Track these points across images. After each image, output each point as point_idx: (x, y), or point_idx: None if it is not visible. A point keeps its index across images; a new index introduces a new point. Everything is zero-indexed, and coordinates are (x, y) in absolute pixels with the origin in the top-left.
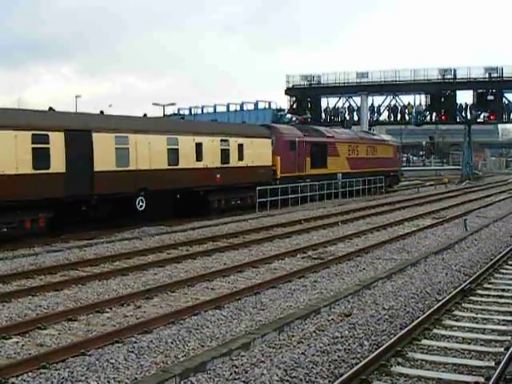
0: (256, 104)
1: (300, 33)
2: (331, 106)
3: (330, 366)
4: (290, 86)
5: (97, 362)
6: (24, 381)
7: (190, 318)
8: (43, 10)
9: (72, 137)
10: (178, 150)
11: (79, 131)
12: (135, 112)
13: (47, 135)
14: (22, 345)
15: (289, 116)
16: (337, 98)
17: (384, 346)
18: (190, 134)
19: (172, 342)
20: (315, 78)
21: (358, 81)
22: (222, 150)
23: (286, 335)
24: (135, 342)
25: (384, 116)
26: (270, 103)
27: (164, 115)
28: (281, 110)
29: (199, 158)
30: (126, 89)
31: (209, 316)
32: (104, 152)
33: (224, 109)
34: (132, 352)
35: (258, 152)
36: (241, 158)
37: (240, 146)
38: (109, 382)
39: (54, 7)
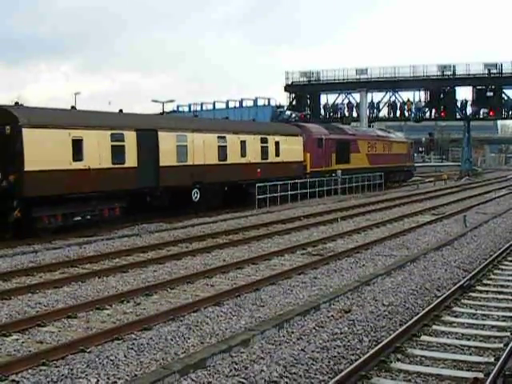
0: (255, 101)
1: (299, 30)
2: (330, 102)
3: (329, 362)
4: (290, 82)
5: (97, 359)
6: (24, 378)
7: (190, 314)
8: (44, 8)
9: (142, 135)
10: (226, 147)
11: (148, 130)
12: (134, 109)
13: (123, 134)
14: (22, 342)
15: (288, 113)
16: (336, 95)
17: (383, 342)
18: (236, 132)
19: (172, 339)
20: (314, 75)
21: (358, 77)
22: (261, 147)
23: (285, 332)
24: (135, 339)
25: (383, 112)
26: (269, 100)
27: (163, 112)
28: (280, 106)
29: (243, 154)
30: (125, 86)
31: (208, 313)
32: (167, 149)
33: (223, 105)
34: (132, 349)
35: (292, 149)
36: (277, 154)
37: (277, 144)
38: (109, 378)
39: (55, 6)
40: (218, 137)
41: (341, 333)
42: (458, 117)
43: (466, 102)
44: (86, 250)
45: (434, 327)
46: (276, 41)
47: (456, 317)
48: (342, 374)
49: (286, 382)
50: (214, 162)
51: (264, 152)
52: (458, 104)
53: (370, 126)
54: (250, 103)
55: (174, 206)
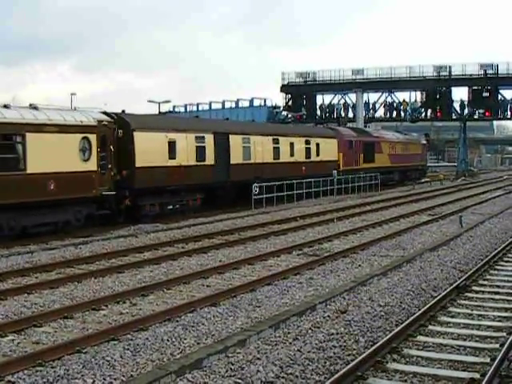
0: (251, 101)
1: (296, 31)
2: (326, 102)
3: (325, 362)
4: (286, 83)
5: (93, 360)
6: (20, 379)
7: (186, 315)
8: (42, 8)
9: (218, 138)
10: (279, 148)
11: (222, 134)
12: (130, 110)
13: (204, 137)
14: (18, 342)
15: (284, 113)
16: (332, 95)
17: (380, 343)
18: (286, 135)
19: (168, 340)
20: (310, 75)
21: (354, 78)
22: (305, 148)
23: (281, 332)
24: (131, 340)
25: (379, 113)
26: (265, 100)
27: (160, 112)
28: (276, 107)
29: (292, 154)
30: (122, 87)
31: (204, 313)
32: (236, 149)
33: (219, 106)
34: (128, 349)
35: (329, 149)
36: (318, 154)
37: (317, 145)
38: (105, 379)
39: (54, 6)
40: (273, 139)
41: (337, 333)
42: (454, 117)
43: (462, 102)
44: (82, 250)
45: (430, 327)
46: (274, 41)
47: (452, 317)
48: (338, 374)
49: (283, 383)
50: (270, 161)
51: (307, 152)
52: (454, 104)
53: (365, 127)
54: (246, 104)
55: (238, 199)
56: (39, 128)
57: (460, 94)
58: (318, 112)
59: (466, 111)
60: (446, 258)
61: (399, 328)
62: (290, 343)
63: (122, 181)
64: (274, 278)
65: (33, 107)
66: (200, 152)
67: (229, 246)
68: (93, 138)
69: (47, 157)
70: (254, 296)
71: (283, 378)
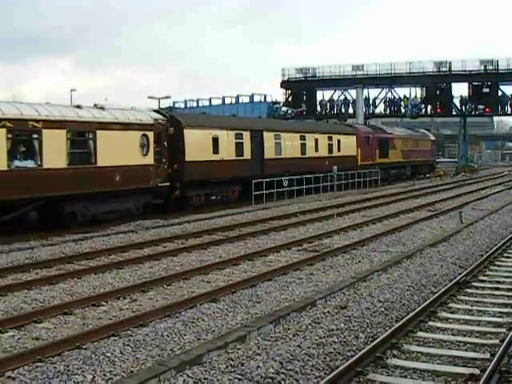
0: (251, 97)
1: (297, 27)
2: (326, 98)
3: (325, 358)
4: (286, 78)
5: (93, 356)
6: (20, 374)
7: (186, 311)
8: (43, 4)
9: (254, 135)
10: (305, 144)
11: (257, 131)
12: (130, 105)
13: (242, 134)
14: (18, 338)
15: (284, 109)
16: (332, 91)
17: (380, 339)
18: (312, 132)
19: (168, 336)
20: (310, 71)
21: (354, 73)
22: (328, 144)
23: (281, 328)
24: (131, 336)
25: (379, 109)
26: (265, 96)
27: (159, 108)
28: (276, 102)
29: (317, 149)
30: (123, 82)
31: (204, 309)
32: (269, 145)
33: (219, 102)
34: (128, 345)
35: (349, 145)
36: (339, 149)
37: (338, 141)
38: (105, 375)
39: (54, 1)
40: (300, 136)
41: (337, 329)
42: (454, 113)
43: (462, 98)
44: (82, 246)
45: (430, 323)
46: (274, 37)
47: (452, 313)
48: (338, 370)
49: (283, 378)
50: (298, 156)
51: (330, 148)
52: (454, 100)
53: (365, 123)
54: (246, 99)
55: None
56: (107, 126)
57: (460, 89)
58: (318, 108)
59: (466, 107)
60: (446, 253)
61: (399, 324)
62: (290, 339)
63: (173, 174)
64: (273, 274)
65: (100, 107)
66: (239, 148)
67: (229, 242)
68: (150, 134)
69: (113, 152)
70: (254, 292)
71: (283, 373)
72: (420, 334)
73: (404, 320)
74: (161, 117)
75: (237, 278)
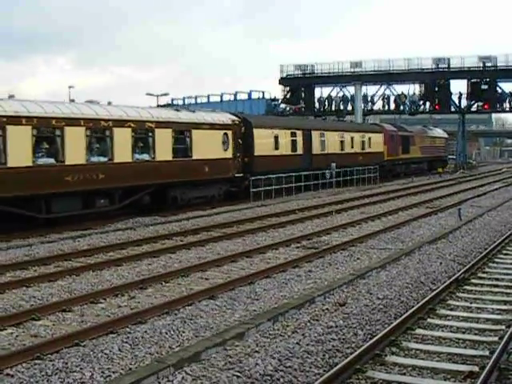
0: (249, 94)
1: (295, 24)
2: (325, 95)
3: (324, 355)
4: (284, 75)
5: (91, 353)
6: (18, 372)
7: (185, 308)
8: (43, 2)
9: (305, 133)
10: (343, 141)
11: (307, 130)
12: (129, 102)
13: (296, 132)
14: (17, 336)
15: (283, 106)
16: (330, 88)
17: (378, 336)
18: (348, 131)
19: (166, 333)
20: (309, 68)
21: (352, 70)
22: (361, 141)
23: (280, 325)
24: (129, 333)
25: (378, 105)
26: (263, 93)
27: (158, 105)
28: (275, 99)
29: (352, 146)
30: (121, 80)
31: (203, 306)
32: (316, 142)
33: (218, 99)
34: (126, 342)
35: (377, 142)
36: (369, 146)
37: (369, 139)
38: (103, 372)
39: (54, 0)
40: (339, 134)
41: (336, 326)
42: (453, 110)
43: (461, 95)
44: (80, 243)
45: (429, 320)
46: (273, 34)
47: (451, 310)
48: (337, 367)
49: (281, 376)
50: (338, 152)
51: (362, 144)
52: (453, 97)
53: (364, 120)
54: (245, 96)
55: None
56: (199, 126)
57: (459, 86)
58: (317, 105)
59: (464, 104)
60: (444, 250)
61: (398, 321)
62: (289, 336)
63: (245, 166)
64: (272, 271)
65: (192, 110)
66: (293, 144)
67: (227, 239)
68: (229, 133)
69: (203, 147)
70: (253, 289)
71: (282, 370)
72: (419, 331)
73: (403, 317)
74: (236, 118)
75: (235, 275)
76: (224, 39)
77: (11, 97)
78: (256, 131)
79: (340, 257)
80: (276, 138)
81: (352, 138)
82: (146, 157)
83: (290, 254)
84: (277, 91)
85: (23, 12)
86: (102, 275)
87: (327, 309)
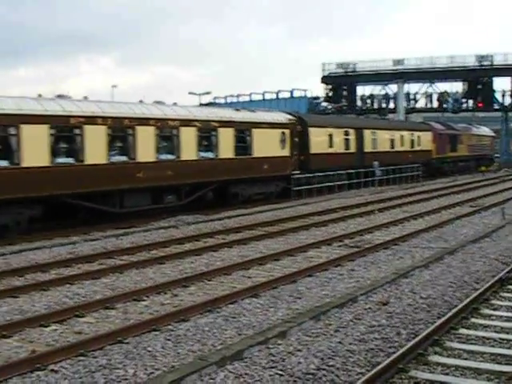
0: (291, 92)
1: (337, 21)
2: (367, 93)
3: (366, 354)
4: (326, 74)
5: (134, 350)
6: (63, 368)
7: (227, 306)
8: (87, 3)
9: (358, 132)
10: (394, 139)
11: (359, 128)
12: (170, 101)
13: (349, 131)
14: (61, 332)
15: (324, 104)
16: (372, 86)
17: (421, 335)
18: (398, 129)
19: (209, 331)
20: (351, 66)
21: (394, 68)
22: (411, 139)
23: (322, 324)
24: (172, 330)
25: (420, 103)
26: (305, 92)
27: (200, 104)
28: (316, 98)
29: (402, 144)
30: (163, 79)
31: (245, 304)
32: (367, 140)
33: (260, 97)
34: (169, 340)
35: (426, 140)
36: (419, 144)
37: (418, 137)
38: (146, 369)
39: (98, 1)
40: (390, 133)
41: (378, 325)
42: (496, 107)
43: (504, 92)
44: (124, 241)
45: (473, 320)
46: (314, 33)
47: (495, 310)
48: (380, 366)
49: (324, 375)
50: (388, 150)
51: (412, 143)
52: (496, 94)
53: (406, 118)
54: (287, 95)
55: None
56: (259, 125)
57: (502, 83)
58: (359, 103)
59: (508, 101)
60: (488, 249)
61: (441, 320)
62: (331, 335)
63: (301, 164)
64: (314, 270)
65: (251, 110)
66: (346, 143)
67: (270, 238)
68: (287, 132)
69: (263, 145)
70: (295, 287)
71: (324, 369)
72: (462, 330)
73: (446, 317)
74: (292, 117)
75: (278, 273)
76: (265, 38)
77: (60, 96)
78: (311, 130)
79: (382, 256)
80: (330, 136)
81: (402, 137)
82: (209, 155)
83: (332, 252)
84: (318, 90)
85: (66, 13)
86: (145, 273)
87: (370, 308)
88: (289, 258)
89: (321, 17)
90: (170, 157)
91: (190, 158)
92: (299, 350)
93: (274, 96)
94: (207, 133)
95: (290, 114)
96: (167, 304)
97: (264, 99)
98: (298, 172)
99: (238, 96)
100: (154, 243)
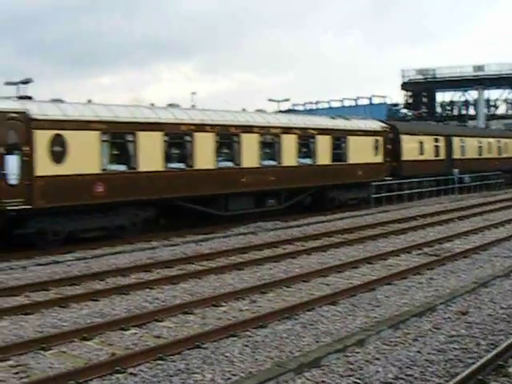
0: (370, 99)
1: (416, 28)
2: (446, 100)
3: (445, 365)
4: (406, 80)
5: (212, 355)
6: (141, 371)
7: (305, 313)
8: (166, 11)
9: (447, 139)
10: (482, 146)
11: (448, 136)
12: (251, 108)
13: (438, 138)
14: (140, 336)
15: (404, 111)
16: (452, 92)
17: (502, 346)
18: (485, 136)
19: (287, 337)
20: (430, 72)
21: (474, 74)
22: (498, 146)
23: (401, 332)
24: (250, 337)
25: (501, 110)
26: (384, 98)
27: (279, 111)
28: (395, 104)
29: (489, 151)
30: (243, 85)
31: (323, 312)
32: (456, 147)
33: (339, 104)
34: (247, 346)
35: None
36: (506, 151)
37: (505, 144)
38: (224, 375)
39: (178, 9)
40: (477, 140)
41: (457, 335)
42: None
43: None
44: (203, 247)
45: None
46: (393, 39)
47: None
48: (459, 377)
49: None
50: (475, 157)
51: (499, 150)
52: None
53: (486, 125)
54: (366, 102)
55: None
56: (354, 132)
57: None
58: (438, 109)
59: None
60: None
61: None
62: (410, 344)
63: (393, 170)
64: (393, 278)
65: (346, 118)
66: (436, 150)
67: (348, 245)
68: (380, 139)
69: (357, 152)
70: (374, 295)
71: (402, 379)
72: None
73: None
74: (385, 125)
75: (356, 281)
76: (343, 44)
77: (170, 105)
78: (403, 137)
79: (462, 264)
80: (421, 143)
81: (489, 144)
82: (308, 161)
83: (412, 260)
84: (398, 96)
85: (146, 20)
86: (223, 279)
87: (449, 317)
88: (367, 265)
89: (398, 23)
90: (271, 163)
91: (291, 164)
92: (377, 359)
93: (353, 103)
94: (306, 140)
95: (382, 121)
96: (245, 310)
97: (343, 106)
98: (390, 178)
99: (316, 103)
100: (232, 249)
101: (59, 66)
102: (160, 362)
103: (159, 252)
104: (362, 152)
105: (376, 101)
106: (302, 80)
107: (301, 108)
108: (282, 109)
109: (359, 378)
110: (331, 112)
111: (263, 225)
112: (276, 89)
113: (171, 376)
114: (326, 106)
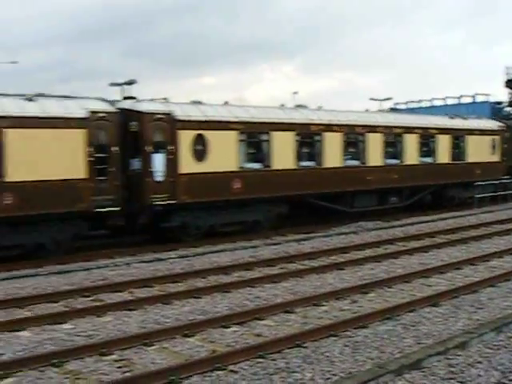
0: (474, 97)
1: None
2: None
3: None
4: (510, 78)
5: (312, 355)
6: (242, 369)
7: (406, 314)
8: (269, 12)
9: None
10: None
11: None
12: (352, 107)
13: (495, 139)
14: (241, 334)
15: (508, 109)
16: None
17: None
18: None
19: (387, 338)
20: None
21: None
22: None
23: (504, 336)
24: (351, 337)
25: None
26: (488, 96)
27: (380, 110)
28: (499, 103)
29: None
30: (343, 85)
31: (425, 313)
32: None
33: (441, 102)
34: (347, 346)
35: None
36: None
37: None
38: (324, 374)
39: (280, 10)
40: None
41: None
42: None
43: None
44: (304, 246)
45: None
46: (497, 37)
47: None
48: None
49: None
50: None
51: None
52: None
53: None
54: (469, 100)
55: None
56: (472, 132)
57: None
58: None
59: None
60: None
61: None
62: None
63: (509, 169)
64: (497, 280)
65: (463, 117)
66: (492, 148)
67: (451, 246)
68: (497, 138)
69: (475, 151)
70: (476, 297)
71: None
72: None
73: None
74: (501, 124)
75: (459, 282)
76: (444, 43)
77: (299, 106)
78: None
79: None
80: (492, 141)
81: None
82: (428, 160)
83: None
84: (502, 94)
85: (247, 22)
86: (324, 278)
87: None
88: (470, 266)
89: (502, 21)
90: (394, 161)
91: (412, 163)
92: (479, 362)
93: (456, 101)
94: (426, 139)
95: (498, 120)
96: (346, 310)
97: (446, 105)
98: (507, 177)
99: (419, 101)
100: (333, 249)
101: (160, 67)
102: (260, 360)
103: (260, 251)
104: (479, 151)
105: (479, 99)
106: (403, 79)
107: (403, 107)
108: (383, 108)
109: (460, 382)
110: (434, 111)
111: (364, 224)
112: (376, 87)
113: (271, 374)
114: (428, 104)
